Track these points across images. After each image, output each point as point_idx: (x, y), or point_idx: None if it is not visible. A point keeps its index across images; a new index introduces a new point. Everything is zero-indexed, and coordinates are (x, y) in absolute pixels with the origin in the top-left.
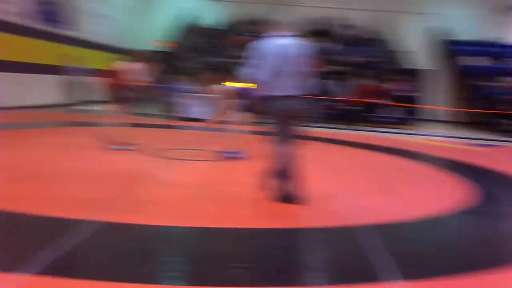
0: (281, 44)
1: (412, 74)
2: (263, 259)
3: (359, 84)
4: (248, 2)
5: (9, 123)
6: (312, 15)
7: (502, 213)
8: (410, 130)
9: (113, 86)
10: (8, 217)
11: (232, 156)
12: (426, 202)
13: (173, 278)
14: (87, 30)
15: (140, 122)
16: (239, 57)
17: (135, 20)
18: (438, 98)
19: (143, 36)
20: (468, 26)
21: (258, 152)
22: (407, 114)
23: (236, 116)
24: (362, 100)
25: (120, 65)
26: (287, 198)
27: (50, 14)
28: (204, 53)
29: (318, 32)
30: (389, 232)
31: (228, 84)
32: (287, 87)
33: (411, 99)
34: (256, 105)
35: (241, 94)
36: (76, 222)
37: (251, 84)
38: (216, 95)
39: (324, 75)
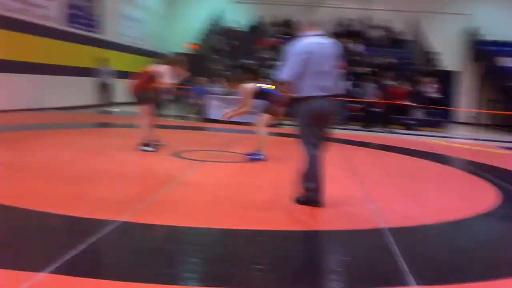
0: (316, 44)
1: (442, 76)
2: (283, 262)
3: (387, 86)
4: (276, 4)
5: (41, 124)
6: (340, 16)
7: None
8: (438, 133)
9: (142, 88)
10: (29, 215)
11: (255, 158)
12: (451, 205)
13: (191, 279)
14: (117, 33)
15: (167, 123)
16: (268, 59)
17: (164, 22)
18: (468, 100)
19: (171, 38)
20: (502, 26)
21: (281, 154)
22: (436, 117)
23: (260, 117)
24: (390, 102)
25: (149, 67)
26: (310, 201)
27: (81, 17)
28: (233, 55)
29: (347, 33)
30: (412, 236)
31: (252, 85)
32: (322, 87)
33: (440, 101)
34: (282, 107)
35: (264, 95)
36: (98, 222)
37: (280, 86)
38: (241, 97)
39: (351, 76)
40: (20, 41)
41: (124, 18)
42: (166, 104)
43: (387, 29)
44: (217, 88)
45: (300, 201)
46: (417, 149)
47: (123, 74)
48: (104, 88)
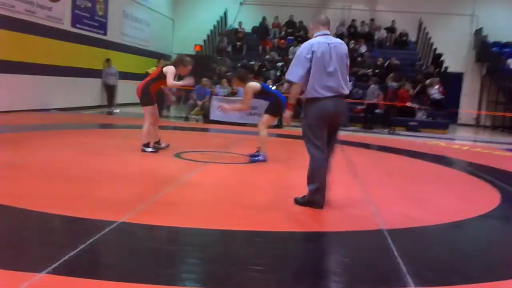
0: (322, 44)
1: (445, 77)
2: (283, 263)
3: (388, 87)
4: (280, 5)
5: (44, 124)
6: (344, 17)
7: None
8: (440, 134)
9: (148, 89)
10: (29, 215)
11: (258, 159)
12: (451, 206)
13: (191, 279)
14: (122, 34)
15: (169, 124)
16: (272, 60)
17: (169, 24)
18: (471, 102)
19: (176, 40)
20: (506, 27)
21: (282, 155)
22: (438, 118)
23: (261, 118)
24: (392, 103)
25: (156, 69)
26: (310, 202)
27: (86, 19)
28: (237, 56)
29: (350, 34)
30: (412, 237)
31: (254, 84)
32: (329, 87)
33: (443, 103)
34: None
35: (267, 95)
36: (98, 222)
37: (290, 87)
38: (243, 98)
39: (352, 77)
40: (24, 42)
41: (129, 19)
42: (174, 104)
43: (390, 30)
44: (219, 89)
45: (300, 202)
46: (418, 150)
47: (127, 75)
48: (108, 89)
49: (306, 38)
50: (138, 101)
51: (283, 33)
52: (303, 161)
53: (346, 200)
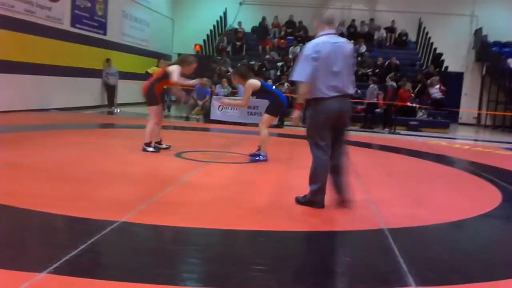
0: (327, 43)
1: (445, 77)
2: (284, 262)
3: (387, 86)
4: (280, 5)
5: (44, 124)
6: (344, 17)
7: None
8: (440, 134)
9: (153, 89)
10: (29, 215)
11: (258, 159)
12: (452, 206)
13: (192, 279)
14: (122, 34)
15: (173, 124)
16: (272, 60)
17: (169, 24)
18: (472, 101)
19: (176, 39)
20: (506, 27)
21: (283, 154)
22: (439, 117)
23: (262, 117)
24: (392, 102)
25: (156, 68)
26: (310, 202)
27: (86, 18)
28: (240, 56)
29: (350, 34)
30: (412, 236)
31: (255, 81)
32: (334, 87)
33: (443, 102)
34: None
35: (268, 94)
36: (98, 222)
37: (297, 87)
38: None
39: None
40: (24, 42)
41: (128, 19)
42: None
43: (390, 29)
44: (219, 89)
45: (301, 201)
46: (418, 150)
47: (127, 75)
48: (108, 89)
49: (306, 38)
50: (138, 100)
51: (282, 33)
52: (304, 160)
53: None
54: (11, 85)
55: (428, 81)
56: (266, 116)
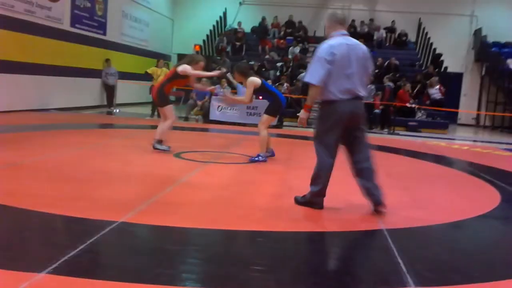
0: (342, 45)
1: (445, 77)
2: (283, 263)
3: (388, 87)
4: (280, 5)
5: (44, 124)
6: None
7: None
8: (440, 134)
9: (163, 90)
10: (29, 215)
11: (257, 160)
12: (451, 206)
13: (191, 279)
14: (122, 34)
15: (173, 124)
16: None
17: (168, 24)
18: (471, 102)
19: (178, 40)
20: (506, 28)
21: (282, 155)
22: (438, 118)
23: (262, 118)
24: (391, 103)
25: (155, 69)
26: (309, 203)
27: (86, 19)
28: (239, 56)
29: (353, 34)
30: (412, 237)
31: (257, 79)
32: (348, 90)
33: (443, 103)
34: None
35: (269, 94)
36: (98, 222)
37: (309, 89)
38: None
39: None
40: (24, 42)
41: (128, 19)
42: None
43: (390, 30)
44: (219, 89)
45: (300, 202)
46: (418, 150)
47: (127, 75)
48: (108, 89)
49: (305, 38)
50: (137, 101)
51: (282, 33)
52: (303, 161)
53: (346, 200)
54: (11, 85)
55: (428, 82)
56: (265, 116)
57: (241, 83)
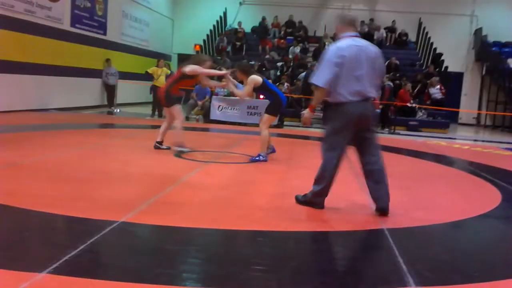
0: (352, 46)
1: (445, 77)
2: (284, 262)
3: (388, 86)
4: (280, 5)
5: (44, 124)
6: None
7: None
8: (440, 134)
9: (170, 91)
10: (29, 215)
11: (258, 159)
12: (452, 206)
13: (192, 279)
14: (122, 34)
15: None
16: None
17: (169, 24)
18: (471, 101)
19: (178, 40)
20: (506, 27)
21: (283, 155)
22: (439, 118)
23: (262, 117)
24: (391, 102)
25: (156, 69)
26: (310, 202)
27: (86, 18)
28: (239, 56)
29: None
30: (412, 236)
31: (258, 77)
32: (358, 92)
33: (443, 102)
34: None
35: (269, 93)
36: (98, 222)
37: (315, 91)
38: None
39: None
40: (24, 42)
41: (128, 19)
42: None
43: (390, 30)
44: (219, 89)
45: (301, 201)
46: (418, 150)
47: (127, 75)
48: (108, 89)
49: (305, 38)
50: (137, 100)
51: (282, 33)
52: (304, 160)
53: (346, 200)
54: (11, 85)
55: (429, 81)
56: (266, 116)
57: (242, 82)
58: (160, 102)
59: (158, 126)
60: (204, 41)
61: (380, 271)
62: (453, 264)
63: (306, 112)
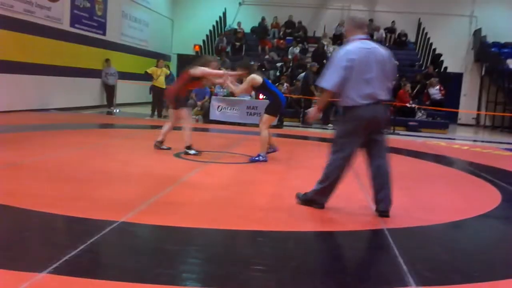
0: (361, 49)
1: (445, 77)
2: (284, 262)
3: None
4: (280, 5)
5: (44, 124)
6: (344, 18)
7: None
8: (442, 134)
9: (179, 94)
10: (29, 215)
11: (258, 159)
12: (452, 206)
13: (192, 279)
14: (121, 34)
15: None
16: (271, 60)
17: (168, 24)
18: (471, 102)
19: (177, 40)
20: (505, 28)
21: (282, 155)
22: (438, 118)
23: (262, 118)
24: (393, 103)
25: (155, 69)
26: (311, 201)
27: (85, 19)
28: (239, 56)
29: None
30: (412, 236)
31: (258, 77)
32: (368, 95)
33: (443, 103)
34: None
35: (269, 93)
36: (98, 222)
37: (323, 94)
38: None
39: None
40: (23, 42)
41: (128, 19)
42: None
43: (390, 30)
44: (218, 89)
45: (301, 199)
46: (418, 150)
47: (126, 75)
48: (108, 89)
49: (305, 38)
50: (137, 101)
51: (282, 33)
52: (303, 161)
53: (346, 200)
54: (11, 85)
55: (429, 82)
56: (265, 116)
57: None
58: (169, 104)
59: (158, 126)
60: (203, 41)
61: (380, 271)
62: (453, 264)
63: (312, 110)
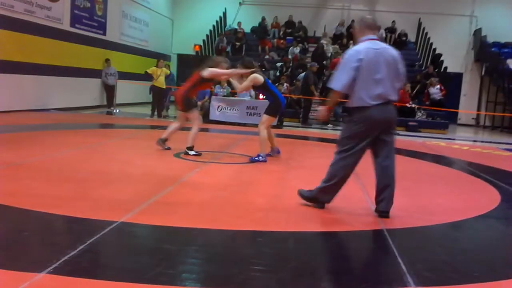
0: (370, 50)
1: (445, 77)
2: (284, 263)
3: None
4: (280, 5)
5: (44, 124)
6: (344, 18)
7: None
8: (442, 135)
9: (189, 96)
10: (29, 215)
11: (257, 160)
12: (451, 206)
13: (191, 279)
14: (122, 34)
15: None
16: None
17: (168, 24)
18: (471, 102)
19: (177, 40)
20: (505, 28)
21: (282, 155)
22: (438, 118)
23: (262, 118)
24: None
25: (155, 69)
26: (312, 199)
27: (86, 19)
28: (239, 56)
29: (352, 34)
30: (412, 237)
31: (260, 76)
32: (377, 95)
33: (443, 103)
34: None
35: (270, 94)
36: (98, 222)
37: (332, 95)
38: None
39: None
40: (23, 42)
41: (128, 19)
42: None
43: (390, 30)
44: (218, 89)
45: (303, 195)
46: (417, 150)
47: (126, 75)
48: (108, 89)
49: (305, 38)
50: (137, 101)
51: (282, 33)
52: (303, 161)
53: (346, 200)
54: (11, 85)
55: (429, 81)
56: (265, 116)
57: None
58: (178, 106)
59: (158, 126)
60: (203, 41)
61: (379, 271)
62: (453, 264)
63: (322, 109)
